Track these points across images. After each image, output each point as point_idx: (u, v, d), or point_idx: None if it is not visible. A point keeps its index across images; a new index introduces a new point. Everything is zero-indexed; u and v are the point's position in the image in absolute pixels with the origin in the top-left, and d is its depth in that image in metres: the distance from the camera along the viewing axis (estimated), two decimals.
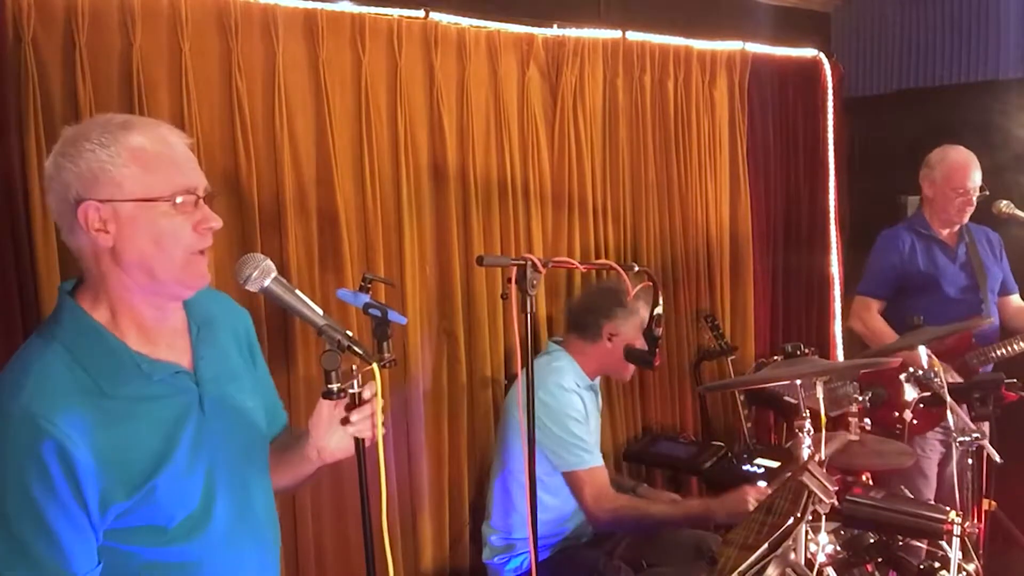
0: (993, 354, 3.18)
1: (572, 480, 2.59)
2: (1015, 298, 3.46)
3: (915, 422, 2.94)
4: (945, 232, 3.34)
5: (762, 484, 2.57)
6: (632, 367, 2.72)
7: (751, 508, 2.42)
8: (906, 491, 2.71)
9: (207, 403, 1.42)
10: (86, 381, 1.28)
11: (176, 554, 1.36)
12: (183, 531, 1.35)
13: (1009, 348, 3.18)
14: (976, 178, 3.25)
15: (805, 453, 2.18)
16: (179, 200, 1.32)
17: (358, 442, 1.52)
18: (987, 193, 3.28)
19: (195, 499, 1.37)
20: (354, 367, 1.51)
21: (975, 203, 3.26)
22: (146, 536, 1.33)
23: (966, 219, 3.30)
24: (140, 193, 1.30)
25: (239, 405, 1.51)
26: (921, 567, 2.22)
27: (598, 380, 2.84)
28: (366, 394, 1.48)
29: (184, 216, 1.34)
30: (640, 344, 2.61)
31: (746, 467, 3.04)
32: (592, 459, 2.59)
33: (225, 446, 1.45)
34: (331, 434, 1.54)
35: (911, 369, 2.59)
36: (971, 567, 2.15)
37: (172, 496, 1.34)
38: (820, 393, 2.18)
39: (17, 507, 1.22)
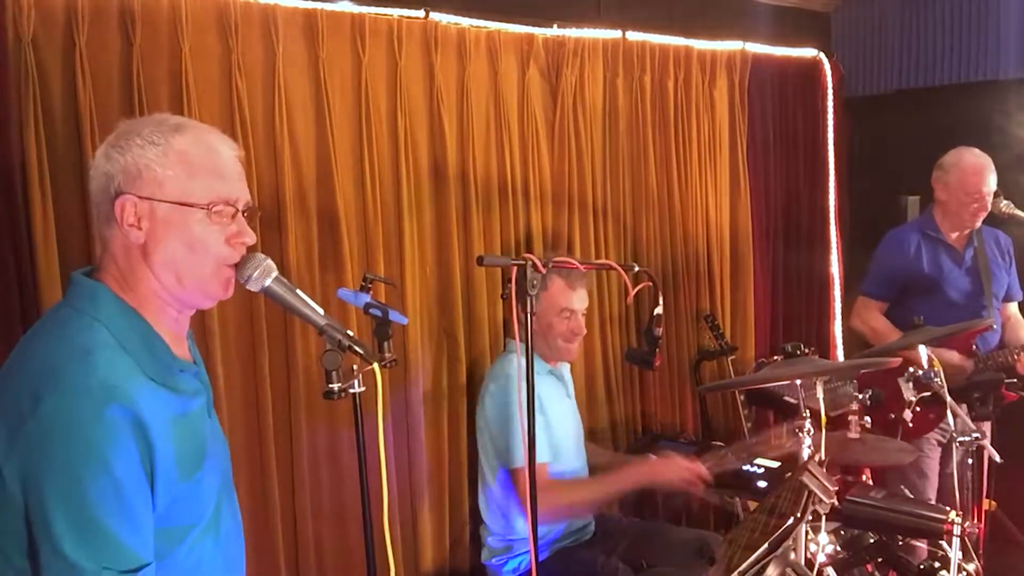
0: (991, 362, 3.17)
1: (512, 477, 2.57)
2: (1012, 306, 3.44)
3: (911, 425, 2.94)
4: (954, 235, 3.31)
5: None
6: (572, 346, 2.70)
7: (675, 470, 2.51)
8: (906, 491, 2.72)
9: (210, 409, 1.43)
10: (135, 366, 1.27)
11: (188, 562, 1.34)
12: (200, 535, 1.35)
13: (1010, 358, 3.16)
14: (991, 182, 3.20)
15: (805, 453, 2.18)
16: (216, 209, 1.33)
17: (358, 440, 1.52)
18: (1001, 197, 3.25)
19: (213, 501, 1.38)
20: (355, 367, 1.51)
21: (989, 207, 3.22)
22: (180, 537, 1.31)
23: (979, 224, 3.27)
24: (178, 196, 1.31)
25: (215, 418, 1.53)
26: (921, 567, 2.22)
27: (564, 367, 2.83)
28: None
29: (219, 227, 1.34)
30: (555, 318, 2.64)
31: (746, 467, 3.04)
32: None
33: (222, 449, 1.47)
34: None
35: (911, 369, 2.59)
36: (971, 567, 2.15)
37: (208, 489, 1.35)
38: (820, 393, 2.18)
39: (97, 480, 1.17)
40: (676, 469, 2.56)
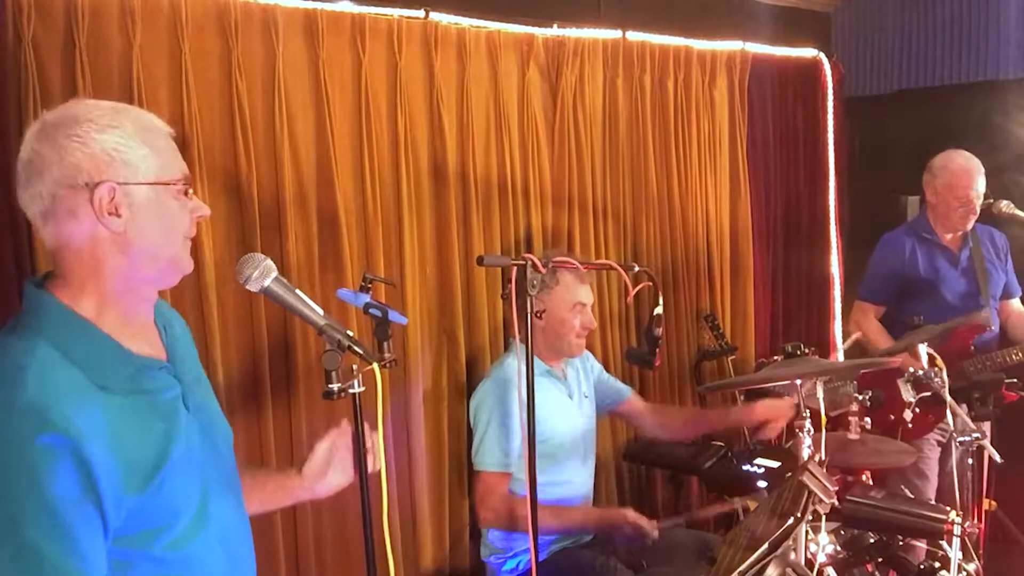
0: (990, 363, 3.17)
1: (475, 479, 2.57)
2: (1015, 302, 3.44)
3: (911, 426, 2.94)
4: (948, 236, 3.31)
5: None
6: (582, 341, 2.70)
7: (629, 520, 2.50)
8: (906, 491, 2.72)
9: (189, 401, 1.39)
10: (81, 377, 1.23)
11: (177, 561, 1.32)
12: (187, 533, 1.32)
13: (1008, 358, 3.16)
14: (979, 186, 3.20)
15: (805, 453, 2.18)
16: (184, 184, 1.34)
17: (358, 441, 1.52)
18: (991, 200, 3.25)
19: (195, 498, 1.35)
20: (355, 367, 1.51)
21: (978, 211, 3.23)
22: (148, 540, 1.28)
23: (969, 226, 3.27)
24: (154, 176, 1.30)
25: (211, 407, 1.50)
26: (921, 567, 2.22)
27: (569, 367, 2.81)
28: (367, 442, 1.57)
29: (184, 201, 1.35)
30: (568, 314, 2.63)
31: (746, 467, 3.04)
32: (494, 463, 2.55)
33: (211, 445, 1.43)
34: (327, 480, 1.65)
35: (911, 370, 2.59)
36: (971, 567, 2.15)
37: (177, 491, 1.31)
38: (820, 393, 2.18)
39: (30, 508, 1.14)
40: (635, 520, 2.57)
